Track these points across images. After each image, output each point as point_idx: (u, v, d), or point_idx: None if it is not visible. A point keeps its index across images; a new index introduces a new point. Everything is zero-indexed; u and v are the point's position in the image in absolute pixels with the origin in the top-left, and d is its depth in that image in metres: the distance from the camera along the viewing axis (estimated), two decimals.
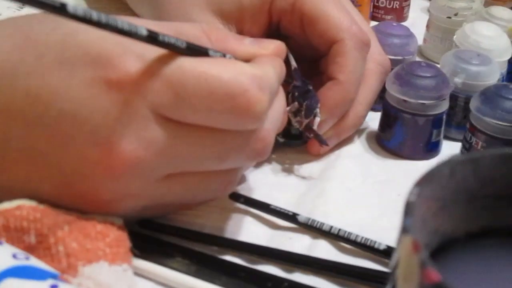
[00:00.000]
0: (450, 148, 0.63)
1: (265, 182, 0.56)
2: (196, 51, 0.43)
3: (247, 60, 0.47)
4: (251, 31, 0.57)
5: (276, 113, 0.48)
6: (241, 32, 0.57)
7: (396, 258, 0.28)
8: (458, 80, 0.63)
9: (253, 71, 0.44)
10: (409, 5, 0.87)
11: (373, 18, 0.85)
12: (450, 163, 0.30)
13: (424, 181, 0.29)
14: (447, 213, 0.31)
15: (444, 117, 0.61)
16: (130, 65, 0.41)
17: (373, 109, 0.63)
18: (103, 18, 0.38)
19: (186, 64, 0.42)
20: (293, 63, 0.55)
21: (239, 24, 0.57)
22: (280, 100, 0.49)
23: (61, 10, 0.36)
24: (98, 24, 0.38)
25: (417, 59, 0.71)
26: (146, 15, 0.62)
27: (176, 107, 0.42)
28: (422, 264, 0.25)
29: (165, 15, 0.57)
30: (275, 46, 0.50)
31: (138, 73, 0.41)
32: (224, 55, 0.46)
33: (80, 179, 0.42)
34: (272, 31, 0.59)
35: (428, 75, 0.60)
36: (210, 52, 0.45)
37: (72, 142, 0.41)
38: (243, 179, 0.55)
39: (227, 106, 0.43)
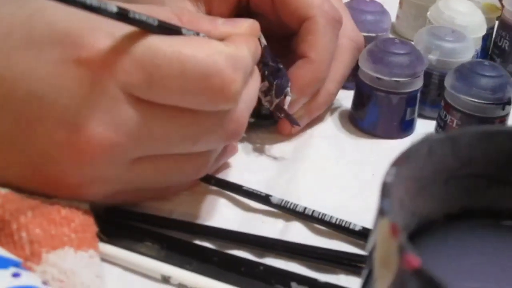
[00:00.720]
0: (424, 127, 0.63)
1: (236, 163, 0.55)
2: (168, 29, 0.42)
3: (220, 40, 0.45)
4: (220, 10, 0.56)
5: (250, 93, 0.47)
6: (210, 11, 0.56)
7: (373, 241, 0.27)
8: (432, 57, 0.62)
9: (228, 50, 0.43)
10: None
11: None
12: (428, 142, 0.29)
13: (401, 161, 0.28)
14: (425, 194, 0.30)
15: (418, 95, 0.60)
16: (99, 44, 0.40)
17: (346, 87, 0.62)
18: None
19: (159, 42, 0.41)
20: (263, 41, 0.54)
21: (208, 3, 0.56)
22: (255, 80, 0.48)
23: None
24: (66, 0, 0.36)
25: (390, 36, 0.70)
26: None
27: (148, 87, 0.41)
28: (401, 249, 0.24)
29: None
30: (249, 25, 0.49)
31: (107, 51, 0.40)
32: (197, 34, 0.45)
33: (47, 163, 0.41)
34: (242, 9, 0.58)
35: (402, 52, 0.59)
36: (183, 31, 0.43)
37: (40, 124, 0.40)
38: (222, 166, 0.54)
39: (201, 86, 0.42)
